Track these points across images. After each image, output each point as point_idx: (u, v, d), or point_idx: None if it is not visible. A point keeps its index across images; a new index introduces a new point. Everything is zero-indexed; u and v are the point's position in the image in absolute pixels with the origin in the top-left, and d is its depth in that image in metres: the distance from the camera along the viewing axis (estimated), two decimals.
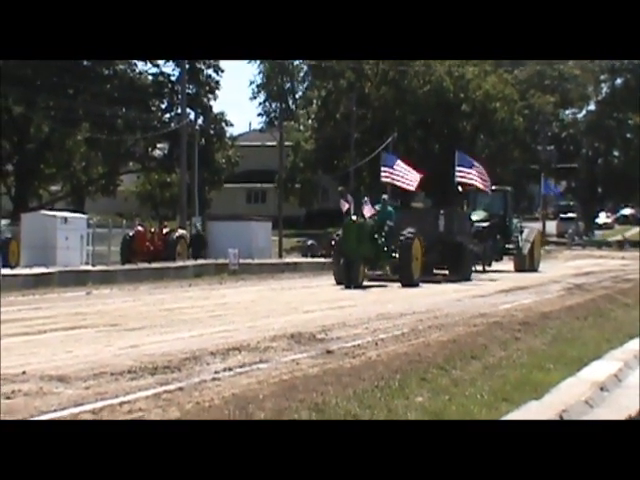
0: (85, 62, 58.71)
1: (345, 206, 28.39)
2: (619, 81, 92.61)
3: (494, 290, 25.61)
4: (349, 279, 26.20)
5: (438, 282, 28.99)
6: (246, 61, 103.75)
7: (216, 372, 10.52)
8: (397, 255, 27.80)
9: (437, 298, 22.71)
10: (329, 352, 12.33)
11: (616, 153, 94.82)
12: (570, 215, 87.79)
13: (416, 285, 27.15)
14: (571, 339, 14.32)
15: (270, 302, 21.29)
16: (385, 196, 30.44)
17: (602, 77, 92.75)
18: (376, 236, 27.98)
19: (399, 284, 27.28)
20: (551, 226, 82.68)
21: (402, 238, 27.77)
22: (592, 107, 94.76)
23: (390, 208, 29.49)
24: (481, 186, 34.33)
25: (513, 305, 20.45)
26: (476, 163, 34.58)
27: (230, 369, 10.77)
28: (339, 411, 8.27)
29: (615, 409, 7.65)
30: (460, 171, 33.91)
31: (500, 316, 17.69)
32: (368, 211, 28.46)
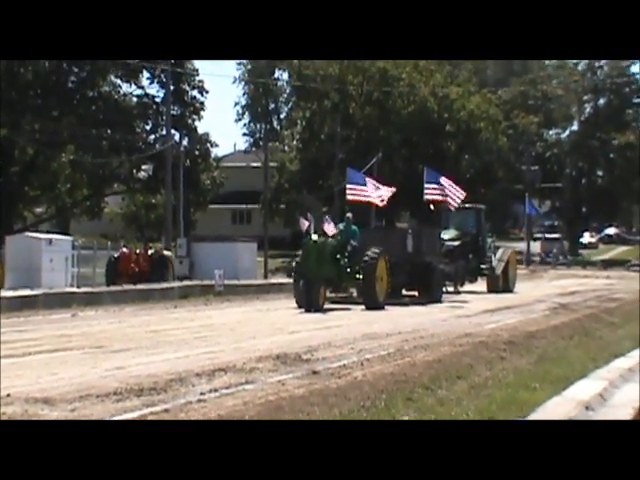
0: (70, 84, 58.73)
1: (305, 225, 26.61)
2: (602, 101, 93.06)
3: (479, 310, 25.62)
4: (309, 302, 24.78)
5: (405, 304, 27.98)
6: (231, 82, 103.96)
7: (202, 393, 10.51)
8: (361, 276, 26.59)
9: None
10: (315, 372, 12.33)
11: (600, 173, 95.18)
12: (555, 235, 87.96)
13: (381, 308, 25.87)
14: (557, 358, 14.35)
15: (256, 323, 21.27)
16: (349, 214, 29.00)
17: (585, 97, 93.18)
18: (338, 256, 26.70)
19: (363, 307, 26.01)
20: (535, 246, 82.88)
21: (366, 258, 26.48)
22: (575, 127, 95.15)
23: (354, 227, 28.26)
24: (450, 202, 32.74)
25: (498, 325, 20.48)
26: (445, 180, 32.99)
27: (216, 390, 10.76)
28: None
29: None
30: (428, 187, 32.61)
31: (485, 335, 17.72)
32: (330, 230, 27.00)
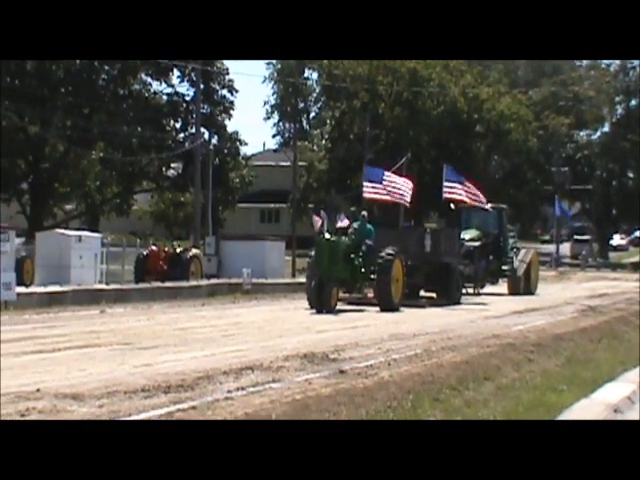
0: (101, 82, 58.98)
1: (318, 222, 25.72)
2: (634, 102, 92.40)
3: (507, 311, 25.51)
4: (320, 302, 23.97)
5: (422, 307, 27.14)
6: (261, 81, 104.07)
7: (229, 391, 10.54)
8: (375, 277, 25.79)
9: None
10: (342, 372, 12.33)
11: (631, 174, 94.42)
12: (584, 237, 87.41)
13: (396, 310, 25.04)
14: (585, 361, 14.29)
15: (283, 322, 21.29)
16: (364, 213, 28.28)
17: (617, 98, 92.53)
18: (352, 256, 25.74)
19: (377, 308, 25.25)
20: (565, 248, 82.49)
21: (381, 258, 25.64)
22: (607, 128, 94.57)
23: (369, 226, 27.30)
24: (469, 202, 32.11)
25: (526, 327, 20.41)
26: (466, 182, 32.17)
27: (243, 388, 10.78)
28: None
29: None
30: (448, 186, 31.82)
31: (513, 337, 17.66)
32: (343, 225, 26.04)
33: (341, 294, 25.66)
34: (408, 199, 32.43)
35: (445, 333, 18.40)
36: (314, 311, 23.98)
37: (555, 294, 36.25)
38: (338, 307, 24.56)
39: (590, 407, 8.76)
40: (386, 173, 32.78)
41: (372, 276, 25.98)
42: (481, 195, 32.37)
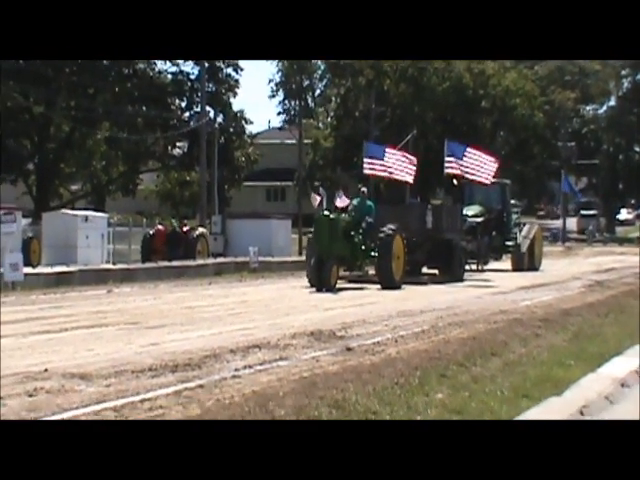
0: (105, 61, 58.92)
1: (317, 200, 25.27)
2: None
3: (514, 287, 25.51)
4: (320, 281, 23.58)
5: (424, 284, 26.59)
6: (264, 60, 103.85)
7: (236, 369, 10.55)
8: (376, 254, 25.38)
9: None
10: (349, 349, 12.35)
11: (637, 149, 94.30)
12: (591, 212, 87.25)
13: (398, 287, 24.64)
14: (592, 335, 14.28)
15: (290, 300, 21.30)
16: (364, 189, 27.84)
17: (623, 72, 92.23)
18: (352, 233, 25.35)
19: (379, 286, 24.90)
20: (572, 223, 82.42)
21: (381, 235, 25.22)
22: (613, 103, 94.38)
23: (369, 202, 26.97)
24: (472, 177, 31.07)
25: (533, 302, 20.40)
26: (471, 153, 31.09)
27: (250, 366, 10.80)
28: (359, 408, 8.28)
29: (636, 405, 7.63)
30: (449, 161, 30.94)
31: (520, 313, 17.67)
32: (341, 203, 25.59)
33: (342, 272, 25.35)
34: (410, 179, 31.93)
35: (452, 309, 18.41)
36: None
37: (562, 269, 36.22)
38: (339, 285, 24.32)
39: (597, 381, 8.76)
40: (388, 150, 32.20)
41: (373, 253, 25.61)
42: (487, 168, 31.12)
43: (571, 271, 34.43)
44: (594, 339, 13.74)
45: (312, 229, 26.41)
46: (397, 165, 31.50)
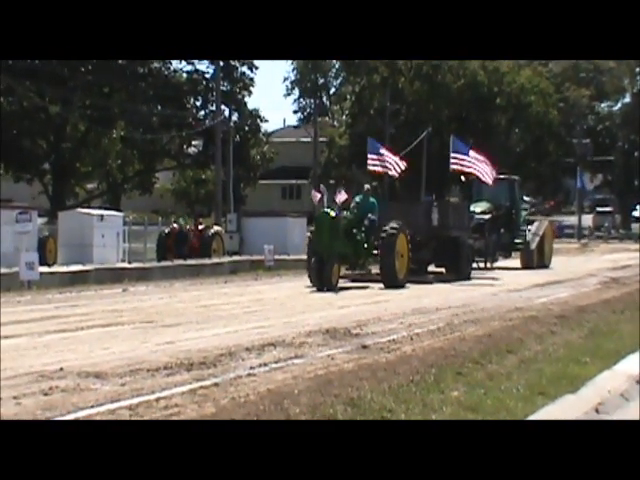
0: (120, 60, 59.02)
1: (317, 197, 25.07)
2: None
3: (529, 284, 25.43)
4: (321, 280, 23.08)
5: (429, 283, 25.99)
6: (280, 60, 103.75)
7: (251, 368, 10.56)
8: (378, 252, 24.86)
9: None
10: (364, 347, 12.35)
11: None
12: (606, 208, 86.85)
13: (401, 286, 24.09)
14: (608, 332, 14.25)
15: (305, 298, 21.30)
16: (367, 186, 27.53)
17: (638, 69, 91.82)
18: (355, 231, 25.03)
19: (381, 285, 24.34)
20: (587, 219, 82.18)
21: (384, 233, 24.69)
22: (628, 99, 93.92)
23: (372, 199, 26.53)
24: (478, 175, 30.60)
25: (549, 299, 20.36)
26: (473, 154, 30.65)
27: (265, 365, 10.81)
28: (374, 406, 8.28)
29: None
30: (455, 157, 30.46)
31: (536, 310, 17.63)
32: (340, 199, 25.47)
33: (344, 271, 25.01)
34: (397, 173, 32.67)
35: (467, 307, 18.38)
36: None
37: (578, 266, 36.04)
38: (342, 285, 23.86)
39: (613, 379, 8.73)
40: (382, 148, 32.89)
41: (375, 251, 25.21)
42: (487, 167, 30.67)
43: (587, 268, 34.28)
44: (610, 336, 13.71)
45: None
46: (388, 161, 31.88)
